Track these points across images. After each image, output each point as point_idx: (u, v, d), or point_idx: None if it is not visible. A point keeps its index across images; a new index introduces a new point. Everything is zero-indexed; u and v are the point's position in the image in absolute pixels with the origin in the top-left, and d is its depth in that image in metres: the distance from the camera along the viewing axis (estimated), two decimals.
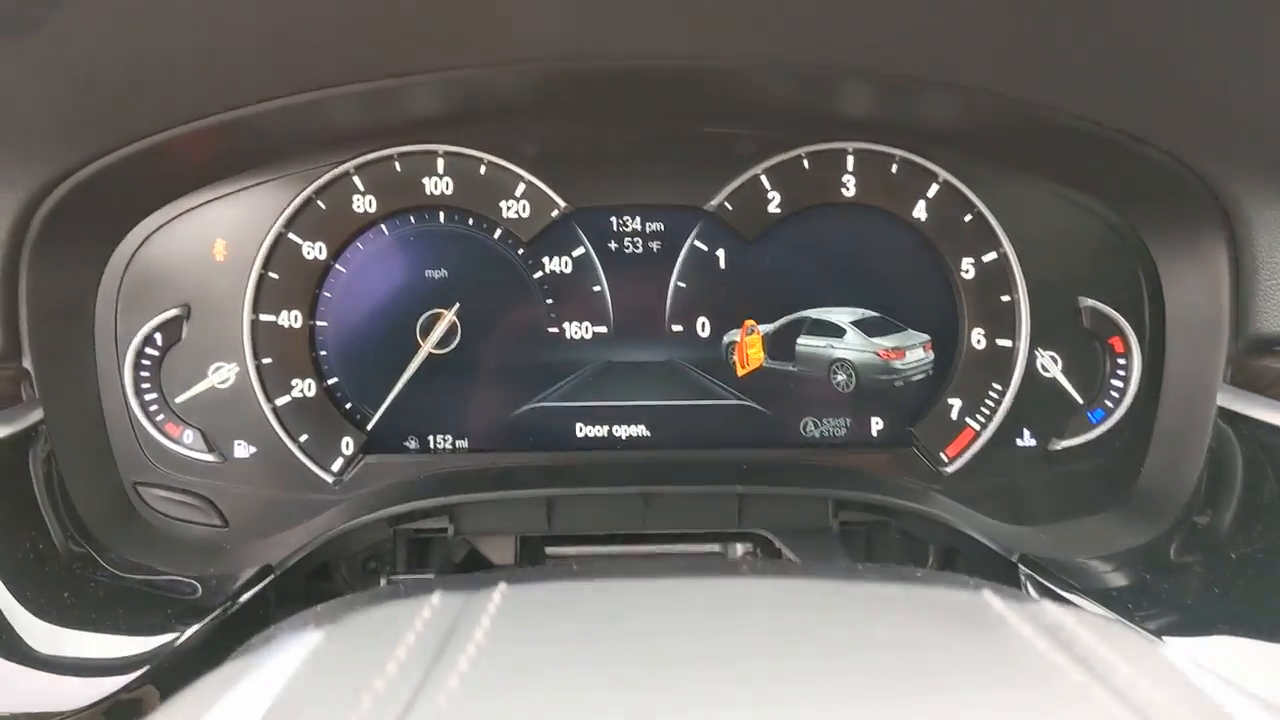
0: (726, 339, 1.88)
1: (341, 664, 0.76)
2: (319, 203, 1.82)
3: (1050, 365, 1.86)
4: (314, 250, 1.82)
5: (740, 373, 1.88)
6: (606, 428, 1.88)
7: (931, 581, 0.99)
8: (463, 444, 1.87)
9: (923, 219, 1.85)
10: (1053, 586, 1.55)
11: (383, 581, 1.61)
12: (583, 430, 1.88)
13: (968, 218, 1.85)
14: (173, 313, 1.79)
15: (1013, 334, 1.85)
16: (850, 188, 1.85)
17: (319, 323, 1.84)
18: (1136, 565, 1.64)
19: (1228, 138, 1.57)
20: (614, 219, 1.86)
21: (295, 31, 1.39)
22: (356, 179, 1.82)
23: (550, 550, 1.78)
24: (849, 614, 0.83)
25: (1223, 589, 1.49)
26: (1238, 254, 1.64)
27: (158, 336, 1.79)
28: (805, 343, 1.89)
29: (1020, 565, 1.60)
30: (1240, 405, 1.61)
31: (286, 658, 0.76)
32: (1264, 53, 1.34)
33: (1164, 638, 1.42)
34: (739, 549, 1.82)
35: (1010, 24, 1.38)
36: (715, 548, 1.82)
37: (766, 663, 0.73)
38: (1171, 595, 1.53)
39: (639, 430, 1.88)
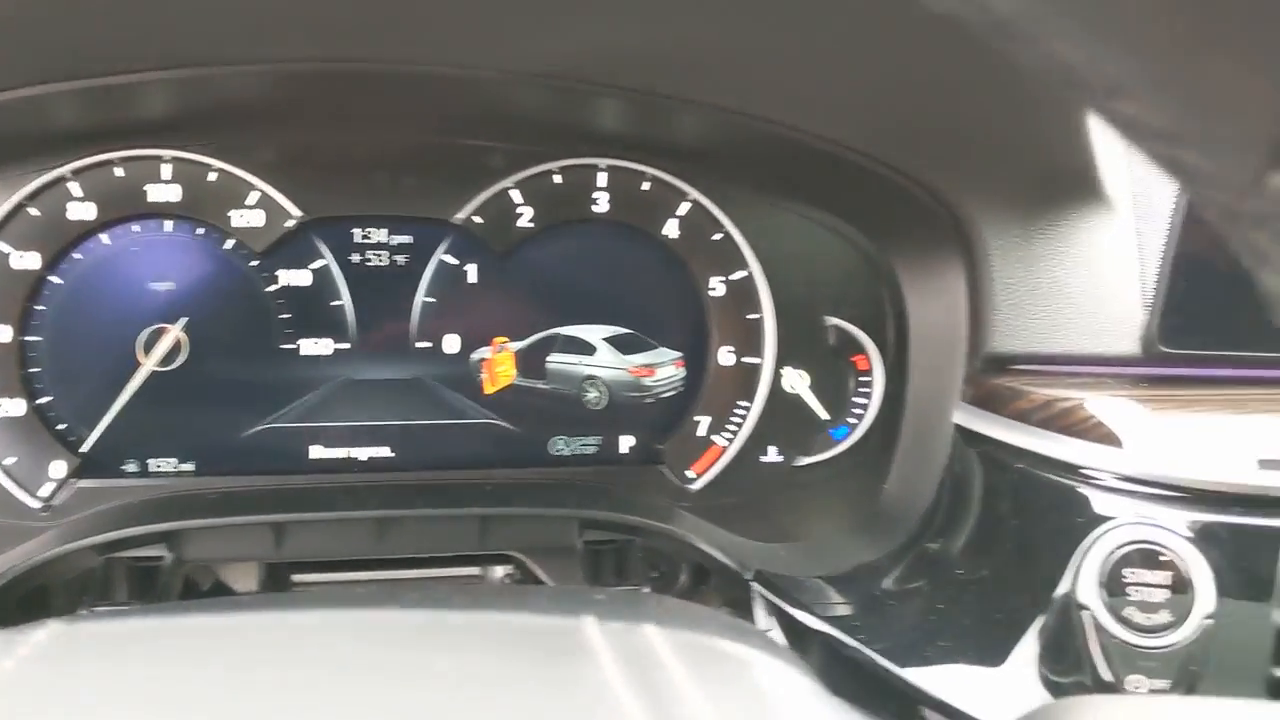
0: (476, 356, 1.84)
1: None
2: (31, 209, 1.69)
3: (797, 382, 1.88)
4: (25, 260, 1.69)
5: (489, 390, 1.84)
6: (345, 449, 1.80)
7: (574, 604, 0.96)
8: (188, 467, 1.77)
9: (673, 237, 1.85)
10: (782, 604, 1.55)
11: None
12: (318, 452, 1.80)
13: (717, 237, 1.86)
14: None
15: (759, 352, 1.87)
16: (602, 204, 1.83)
17: (30, 338, 1.71)
18: (865, 584, 1.65)
19: (965, 165, 1.61)
20: (356, 230, 1.79)
21: (4, 19, 1.27)
22: (73, 184, 1.70)
23: (297, 578, 1.69)
24: (432, 650, 0.79)
25: (946, 607, 1.52)
26: (975, 276, 1.68)
27: None
28: (556, 360, 1.86)
29: (753, 584, 1.60)
30: (978, 424, 1.63)
31: None
32: (997, 85, 1.37)
33: (885, 659, 1.44)
34: (499, 571, 1.78)
35: (754, 46, 1.38)
36: (475, 571, 1.77)
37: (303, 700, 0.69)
38: (896, 614, 1.55)
39: (381, 451, 1.81)
